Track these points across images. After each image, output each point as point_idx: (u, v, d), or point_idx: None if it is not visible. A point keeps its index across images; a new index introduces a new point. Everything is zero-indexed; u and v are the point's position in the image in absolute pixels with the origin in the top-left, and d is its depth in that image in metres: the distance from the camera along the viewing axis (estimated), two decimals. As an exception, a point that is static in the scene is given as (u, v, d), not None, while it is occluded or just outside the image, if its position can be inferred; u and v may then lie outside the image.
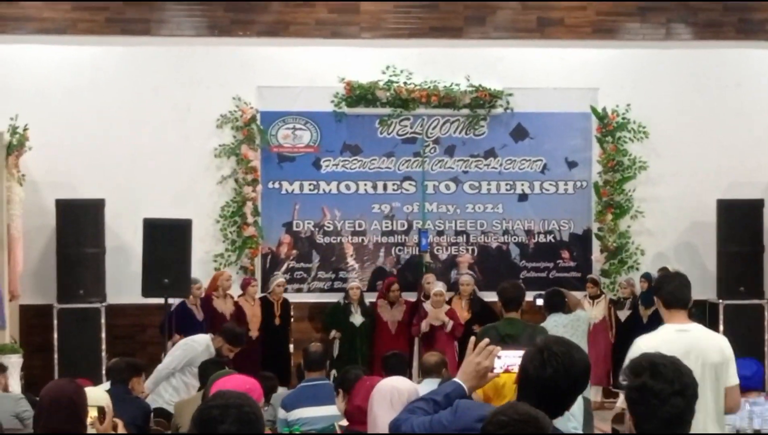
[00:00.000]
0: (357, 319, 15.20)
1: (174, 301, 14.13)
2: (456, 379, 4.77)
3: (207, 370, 9.30)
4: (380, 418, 5.27)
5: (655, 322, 15.47)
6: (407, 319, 15.15)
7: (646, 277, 15.41)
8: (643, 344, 6.46)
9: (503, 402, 4.84)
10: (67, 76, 15.53)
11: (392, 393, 5.29)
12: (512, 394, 4.89)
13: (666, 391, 3.99)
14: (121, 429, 6.57)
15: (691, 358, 6.09)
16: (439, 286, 14.91)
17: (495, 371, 4.79)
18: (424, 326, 14.51)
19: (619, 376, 4.27)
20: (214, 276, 14.92)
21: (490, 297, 15.01)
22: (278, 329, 15.04)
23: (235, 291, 15.07)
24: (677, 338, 6.57)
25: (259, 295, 15.20)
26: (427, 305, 14.78)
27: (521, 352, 4.65)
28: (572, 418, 6.02)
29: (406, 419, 4.68)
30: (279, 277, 15.36)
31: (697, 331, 6.84)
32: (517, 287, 9.35)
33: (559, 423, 5.31)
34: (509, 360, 4.82)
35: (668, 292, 6.96)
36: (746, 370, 9.32)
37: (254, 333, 14.65)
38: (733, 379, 6.78)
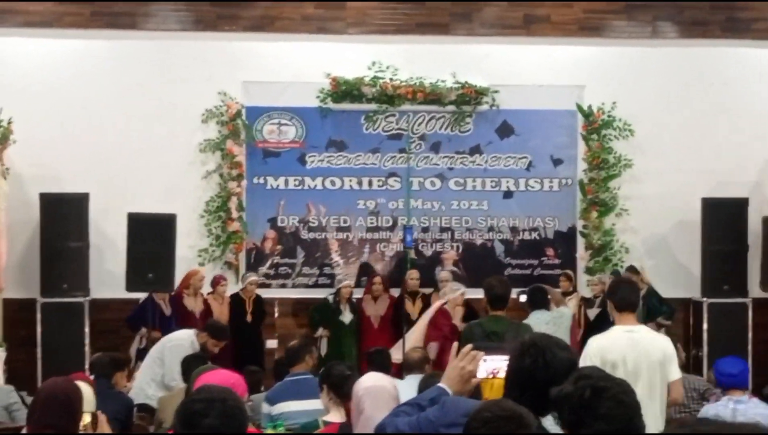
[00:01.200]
0: (346, 316, 15.19)
1: (141, 296, 14.18)
2: (440, 384, 4.77)
3: (190, 365, 9.29)
4: (374, 419, 5.25)
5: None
6: (390, 314, 15.16)
7: (616, 274, 15.41)
8: (595, 343, 7.54)
9: None
10: (53, 70, 15.48)
11: (381, 392, 5.27)
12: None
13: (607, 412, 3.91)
14: (105, 423, 6.56)
15: (637, 356, 7.41)
16: (461, 290, 14.80)
17: (479, 376, 4.78)
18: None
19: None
20: (187, 274, 14.80)
21: (474, 294, 15.07)
22: (250, 326, 14.99)
23: (206, 288, 15.05)
24: (626, 338, 7.51)
25: (230, 292, 15.13)
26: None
27: (506, 357, 4.66)
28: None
29: (390, 422, 4.68)
30: (252, 276, 15.29)
31: (643, 332, 7.72)
32: (504, 284, 9.31)
33: (547, 425, 5.34)
34: (494, 364, 4.82)
35: (620, 298, 7.75)
36: (731, 368, 9.36)
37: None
38: (675, 374, 7.69)
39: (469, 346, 4.78)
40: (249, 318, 14.98)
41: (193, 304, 14.60)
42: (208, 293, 14.92)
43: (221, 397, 3.80)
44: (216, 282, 14.99)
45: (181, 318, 14.30)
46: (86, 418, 6.10)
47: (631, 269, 15.27)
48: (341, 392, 7.19)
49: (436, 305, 14.05)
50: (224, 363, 13.24)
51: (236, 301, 15.02)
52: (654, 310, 15.16)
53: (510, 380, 4.39)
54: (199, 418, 3.70)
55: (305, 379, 8.86)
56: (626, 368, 7.34)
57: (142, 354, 13.63)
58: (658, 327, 15.06)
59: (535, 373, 4.27)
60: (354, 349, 15.11)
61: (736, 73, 16.37)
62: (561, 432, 4.52)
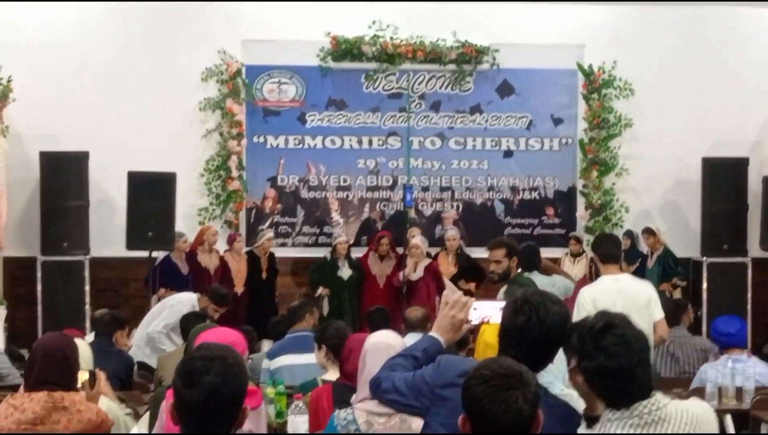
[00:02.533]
0: (345, 272, 15.19)
1: (158, 255, 14.13)
2: (432, 333, 4.77)
3: (188, 323, 9.31)
4: (373, 374, 5.25)
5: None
6: (396, 272, 15.18)
7: (628, 234, 15.49)
8: (587, 293, 8.45)
9: None
10: (53, 28, 15.42)
11: (387, 349, 5.27)
12: None
13: (623, 367, 3.99)
14: (103, 381, 6.58)
15: (624, 301, 8.04)
16: (417, 239, 14.87)
17: (471, 322, 4.81)
18: (401, 277, 14.53)
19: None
20: (200, 230, 14.84)
21: (474, 253, 15.11)
22: (264, 283, 15.03)
23: (221, 246, 15.06)
24: (613, 285, 8.42)
25: (245, 249, 15.18)
26: (408, 261, 14.81)
27: (496, 303, 4.71)
28: (546, 373, 6.00)
29: (386, 376, 4.66)
30: (268, 232, 15.30)
31: (627, 280, 8.68)
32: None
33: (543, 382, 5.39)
34: (485, 311, 4.84)
35: (604, 251, 8.77)
36: (729, 327, 9.39)
37: (239, 289, 14.64)
38: (659, 314, 8.62)
39: (459, 293, 4.79)
40: (264, 275, 15.02)
41: (208, 261, 14.59)
42: (225, 251, 14.94)
43: (222, 354, 3.81)
44: (232, 239, 15.01)
45: (197, 275, 14.32)
46: (83, 376, 6.10)
47: (648, 230, 15.36)
48: (336, 351, 7.22)
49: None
50: (239, 319, 13.45)
51: (252, 258, 15.05)
52: (669, 270, 15.23)
53: (505, 339, 4.38)
54: (199, 375, 3.71)
55: (305, 336, 8.89)
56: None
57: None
58: (674, 287, 15.17)
59: (530, 330, 4.27)
60: (355, 305, 15.14)
61: (737, 33, 16.31)
62: (560, 389, 4.56)
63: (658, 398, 3.98)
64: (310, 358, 7.97)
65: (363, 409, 5.32)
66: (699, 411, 4.03)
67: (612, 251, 8.78)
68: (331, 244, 15.59)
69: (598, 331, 4.00)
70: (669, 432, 3.92)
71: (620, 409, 3.95)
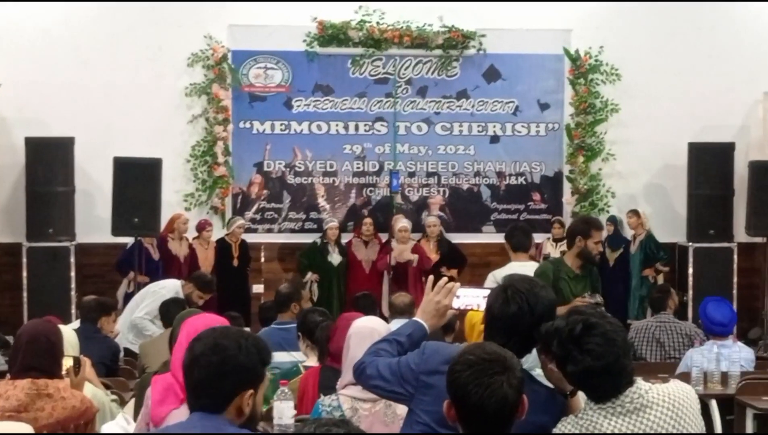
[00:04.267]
0: (335, 258, 15.25)
1: (128, 241, 14.19)
2: (416, 318, 4.77)
3: (169, 310, 9.33)
4: (357, 358, 5.27)
5: (622, 266, 15.68)
6: (382, 258, 15.22)
7: (612, 220, 15.51)
8: (493, 274, 9.15)
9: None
10: (39, 13, 15.34)
11: (372, 334, 5.28)
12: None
13: (607, 363, 3.97)
14: (88, 367, 6.57)
15: None
16: (403, 223, 14.95)
17: (454, 308, 4.82)
18: (392, 261, 14.56)
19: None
20: (171, 218, 14.83)
21: (460, 239, 15.15)
22: (236, 271, 15.02)
23: (216, 233, 15.11)
24: (519, 269, 8.27)
25: (216, 237, 15.16)
26: (393, 244, 14.85)
27: (479, 291, 4.77)
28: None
29: (371, 362, 4.62)
30: (239, 220, 15.31)
31: (532, 268, 8.71)
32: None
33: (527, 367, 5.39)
34: (468, 299, 4.85)
35: (516, 241, 9.47)
36: (721, 317, 9.44)
37: (207, 276, 14.70)
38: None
39: (444, 279, 4.80)
40: (235, 263, 15.01)
41: (178, 248, 14.66)
42: (194, 238, 14.95)
43: (225, 332, 3.85)
44: (201, 227, 15.00)
45: (167, 262, 14.40)
46: (68, 362, 6.09)
47: (634, 211, 15.41)
48: (313, 338, 7.35)
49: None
50: (210, 308, 13.35)
51: (222, 245, 15.04)
52: (651, 256, 15.27)
53: (493, 327, 4.39)
54: (195, 343, 3.76)
55: (291, 328, 8.89)
56: None
57: (129, 298, 13.68)
58: (656, 272, 15.21)
59: (522, 319, 4.30)
60: (343, 290, 15.20)
61: (724, 17, 16.31)
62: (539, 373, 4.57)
63: (640, 385, 3.97)
64: (297, 356, 8.01)
65: (348, 395, 5.34)
66: (680, 394, 4.02)
67: (522, 241, 9.51)
68: (319, 230, 15.63)
69: (579, 334, 3.94)
70: (652, 418, 3.92)
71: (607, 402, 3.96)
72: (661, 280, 15.12)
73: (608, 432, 3.90)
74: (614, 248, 15.14)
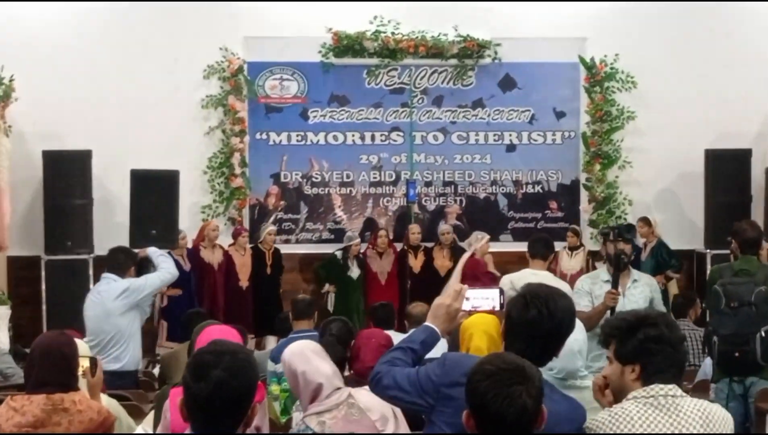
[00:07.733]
0: (354, 272, 15.28)
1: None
2: (428, 323, 4.72)
3: (191, 321, 9.33)
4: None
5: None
6: (396, 268, 15.22)
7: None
8: (508, 277, 9.34)
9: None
10: (54, 27, 15.42)
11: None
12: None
13: (678, 340, 4.17)
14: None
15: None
16: (446, 226, 15.64)
17: (465, 311, 4.83)
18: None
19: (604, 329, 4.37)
20: (201, 226, 14.96)
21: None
22: (269, 279, 15.08)
23: (224, 241, 15.09)
24: (531, 278, 8.30)
25: (249, 245, 15.19)
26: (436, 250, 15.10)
27: (488, 292, 4.81)
28: (579, 356, 6.01)
29: (387, 372, 4.57)
30: (269, 226, 15.36)
31: (545, 276, 8.94)
32: (757, 228, 9.46)
33: (566, 362, 5.47)
34: (477, 301, 4.85)
35: (533, 248, 9.64)
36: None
37: (244, 283, 14.78)
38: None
39: (460, 284, 4.80)
40: (268, 271, 15.06)
41: (211, 256, 14.70)
42: (230, 245, 15.00)
43: (231, 349, 3.83)
44: (237, 233, 15.09)
45: (201, 271, 14.45)
46: (84, 363, 6.09)
47: (644, 220, 15.33)
48: (333, 353, 7.30)
49: (464, 257, 13.81)
50: (245, 314, 13.61)
51: (257, 253, 15.10)
52: (663, 263, 15.20)
53: (513, 333, 4.40)
54: (208, 369, 3.72)
55: (309, 336, 8.89)
56: None
57: (164, 312, 13.81)
58: (667, 280, 15.13)
59: (541, 324, 4.31)
60: (361, 303, 15.23)
61: (739, 24, 16.28)
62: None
63: (674, 387, 4.08)
64: None
65: (310, 414, 5.49)
66: (720, 414, 4.13)
67: (538, 250, 9.61)
68: (335, 241, 15.74)
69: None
70: (683, 423, 3.98)
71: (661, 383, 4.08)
72: (672, 287, 15.05)
73: (637, 420, 4.00)
74: (626, 257, 15.12)
